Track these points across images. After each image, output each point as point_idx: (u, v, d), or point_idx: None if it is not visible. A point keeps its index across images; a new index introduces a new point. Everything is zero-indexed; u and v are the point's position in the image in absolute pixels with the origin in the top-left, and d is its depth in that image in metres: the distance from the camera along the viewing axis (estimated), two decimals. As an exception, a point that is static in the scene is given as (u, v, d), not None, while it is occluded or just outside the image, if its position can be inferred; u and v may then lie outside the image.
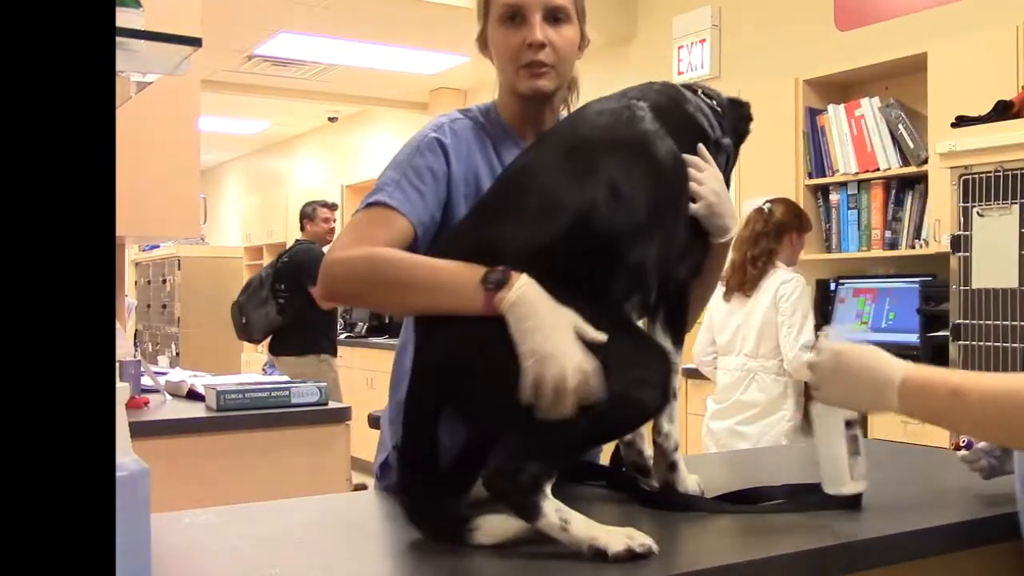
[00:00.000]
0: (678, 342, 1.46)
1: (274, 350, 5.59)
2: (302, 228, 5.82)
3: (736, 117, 1.57)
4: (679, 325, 1.47)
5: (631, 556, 1.13)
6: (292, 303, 5.45)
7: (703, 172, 1.44)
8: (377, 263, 1.35)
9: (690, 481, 1.44)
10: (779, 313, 3.48)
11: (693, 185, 1.42)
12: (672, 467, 1.43)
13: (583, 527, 1.16)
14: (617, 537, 1.15)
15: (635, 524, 1.34)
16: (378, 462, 1.62)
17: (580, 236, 1.28)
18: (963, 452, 1.39)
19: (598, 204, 1.30)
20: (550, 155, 1.38)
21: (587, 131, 1.41)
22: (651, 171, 1.38)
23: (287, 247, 5.79)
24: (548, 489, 1.17)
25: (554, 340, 1.19)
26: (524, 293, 1.22)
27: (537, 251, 1.27)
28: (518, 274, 1.23)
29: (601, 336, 1.21)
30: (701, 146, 1.46)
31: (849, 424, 1.29)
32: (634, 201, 1.33)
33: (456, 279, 1.27)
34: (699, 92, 1.53)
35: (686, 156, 1.43)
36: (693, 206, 1.42)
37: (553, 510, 1.17)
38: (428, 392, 1.28)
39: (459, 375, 1.26)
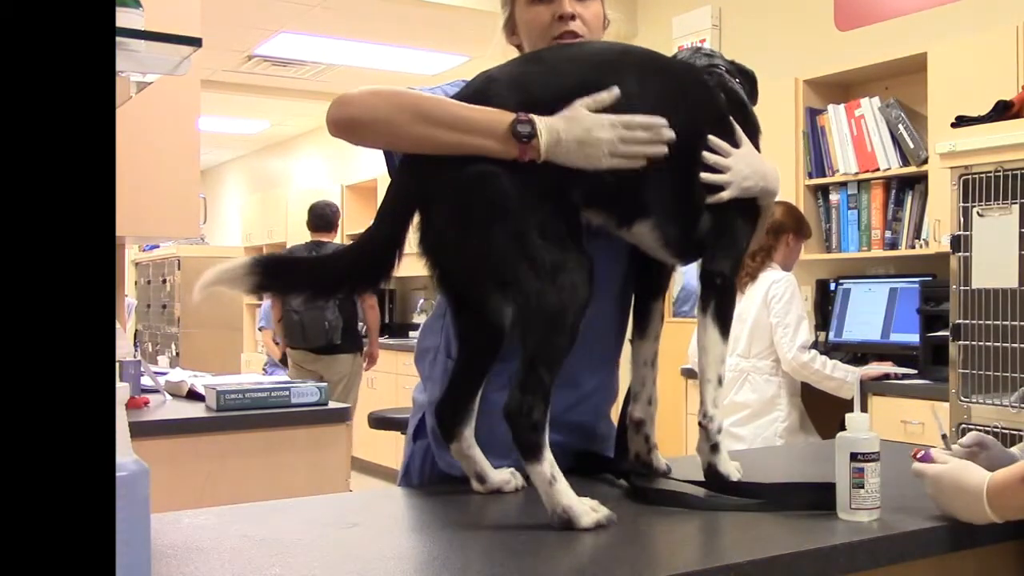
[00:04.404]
0: (725, 333, 1.52)
1: (325, 350, 5.57)
2: (334, 229, 5.85)
3: (750, 88, 1.62)
4: (726, 318, 1.52)
5: (595, 528, 1.23)
6: (346, 303, 5.48)
7: (728, 157, 1.47)
8: (403, 92, 1.34)
9: (731, 466, 1.50)
10: (772, 314, 3.48)
11: (716, 177, 1.45)
12: (714, 448, 1.49)
13: (566, 490, 1.26)
14: (585, 510, 1.25)
15: (636, 523, 1.34)
16: (412, 425, 1.64)
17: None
18: (917, 466, 1.37)
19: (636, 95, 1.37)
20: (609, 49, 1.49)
21: (650, 54, 1.51)
22: (707, 112, 1.48)
23: (326, 249, 5.70)
24: (546, 437, 1.27)
25: (595, 130, 1.31)
26: (547, 139, 1.29)
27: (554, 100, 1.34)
28: (535, 119, 1.29)
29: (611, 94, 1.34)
30: (733, 123, 1.51)
31: (854, 457, 1.32)
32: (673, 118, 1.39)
33: (488, 121, 1.29)
34: (722, 66, 1.58)
35: (711, 139, 1.46)
36: (724, 194, 1.45)
37: (549, 462, 1.26)
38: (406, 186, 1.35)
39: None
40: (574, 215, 1.34)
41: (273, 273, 1.32)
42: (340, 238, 8.11)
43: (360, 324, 5.79)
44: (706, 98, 1.51)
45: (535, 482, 1.26)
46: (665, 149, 1.36)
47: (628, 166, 1.34)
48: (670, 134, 1.36)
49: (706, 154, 1.45)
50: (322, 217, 5.80)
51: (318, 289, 1.41)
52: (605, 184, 1.35)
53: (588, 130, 1.31)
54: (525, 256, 1.27)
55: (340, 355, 5.58)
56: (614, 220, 1.43)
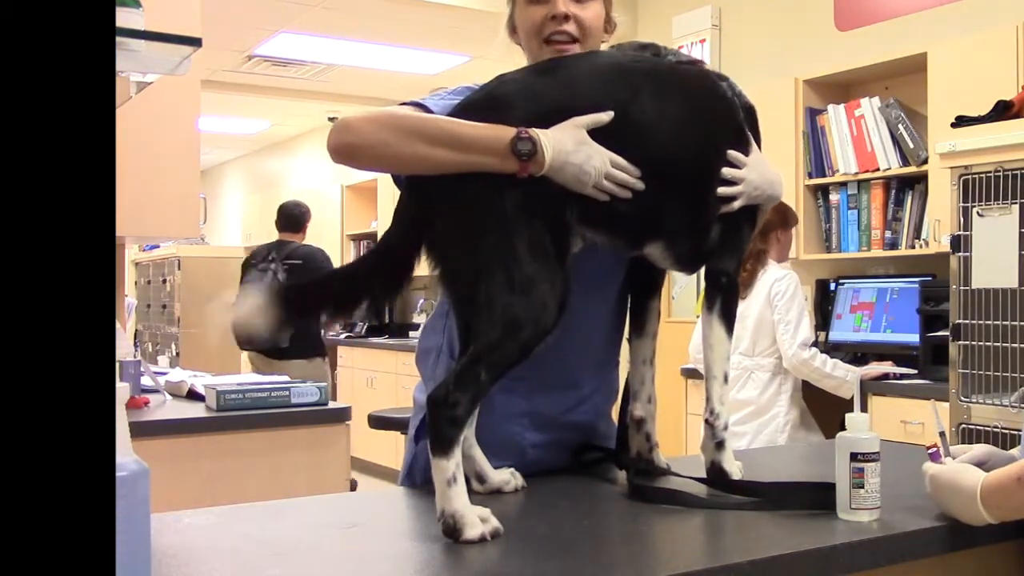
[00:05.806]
0: (730, 330, 1.54)
1: (275, 355, 5.42)
2: (301, 229, 5.73)
3: None
4: (731, 316, 1.54)
5: (480, 541, 1.20)
6: None
7: (742, 168, 1.48)
8: (402, 115, 1.35)
9: (734, 464, 1.50)
10: (775, 311, 3.48)
11: (730, 189, 1.46)
12: (720, 446, 1.50)
13: (461, 496, 1.23)
14: (474, 520, 1.21)
15: (636, 523, 1.34)
16: (414, 426, 1.64)
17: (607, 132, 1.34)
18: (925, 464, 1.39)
19: (645, 111, 1.39)
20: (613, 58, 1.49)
21: (664, 65, 1.51)
22: (722, 125, 1.49)
23: (285, 249, 5.59)
24: (463, 435, 1.25)
25: (593, 158, 1.32)
26: (554, 157, 1.29)
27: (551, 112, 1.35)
28: (537, 135, 1.29)
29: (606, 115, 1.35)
30: (748, 133, 1.52)
31: (854, 457, 1.31)
32: (681, 131, 1.42)
33: (488, 138, 1.30)
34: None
35: (730, 153, 1.48)
36: (735, 204, 1.47)
37: (456, 461, 1.23)
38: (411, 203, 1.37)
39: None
40: (565, 235, 1.34)
41: (295, 300, 1.34)
42: (339, 238, 8.08)
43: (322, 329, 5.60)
44: (725, 111, 1.52)
45: (435, 477, 1.24)
46: (629, 194, 1.36)
47: (597, 197, 1.34)
48: (640, 185, 1.36)
49: (725, 169, 1.46)
50: (291, 217, 5.64)
51: (341, 304, 1.39)
52: (613, 207, 1.36)
53: (590, 157, 1.32)
54: (504, 266, 1.28)
55: (291, 360, 5.34)
56: (624, 244, 1.44)
